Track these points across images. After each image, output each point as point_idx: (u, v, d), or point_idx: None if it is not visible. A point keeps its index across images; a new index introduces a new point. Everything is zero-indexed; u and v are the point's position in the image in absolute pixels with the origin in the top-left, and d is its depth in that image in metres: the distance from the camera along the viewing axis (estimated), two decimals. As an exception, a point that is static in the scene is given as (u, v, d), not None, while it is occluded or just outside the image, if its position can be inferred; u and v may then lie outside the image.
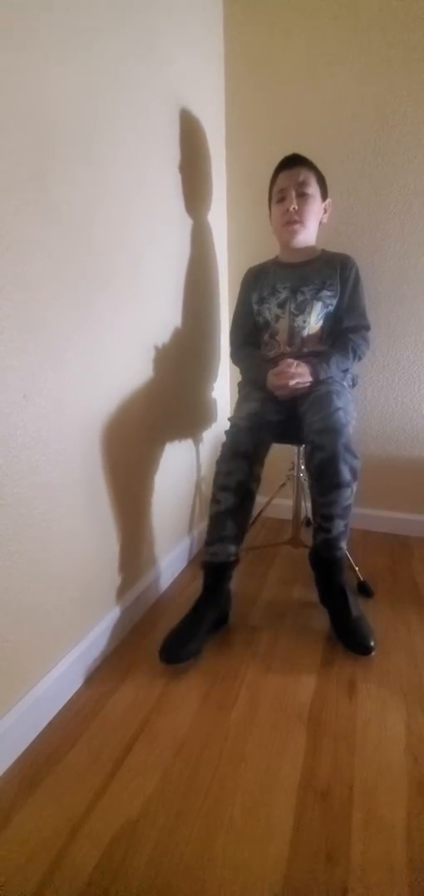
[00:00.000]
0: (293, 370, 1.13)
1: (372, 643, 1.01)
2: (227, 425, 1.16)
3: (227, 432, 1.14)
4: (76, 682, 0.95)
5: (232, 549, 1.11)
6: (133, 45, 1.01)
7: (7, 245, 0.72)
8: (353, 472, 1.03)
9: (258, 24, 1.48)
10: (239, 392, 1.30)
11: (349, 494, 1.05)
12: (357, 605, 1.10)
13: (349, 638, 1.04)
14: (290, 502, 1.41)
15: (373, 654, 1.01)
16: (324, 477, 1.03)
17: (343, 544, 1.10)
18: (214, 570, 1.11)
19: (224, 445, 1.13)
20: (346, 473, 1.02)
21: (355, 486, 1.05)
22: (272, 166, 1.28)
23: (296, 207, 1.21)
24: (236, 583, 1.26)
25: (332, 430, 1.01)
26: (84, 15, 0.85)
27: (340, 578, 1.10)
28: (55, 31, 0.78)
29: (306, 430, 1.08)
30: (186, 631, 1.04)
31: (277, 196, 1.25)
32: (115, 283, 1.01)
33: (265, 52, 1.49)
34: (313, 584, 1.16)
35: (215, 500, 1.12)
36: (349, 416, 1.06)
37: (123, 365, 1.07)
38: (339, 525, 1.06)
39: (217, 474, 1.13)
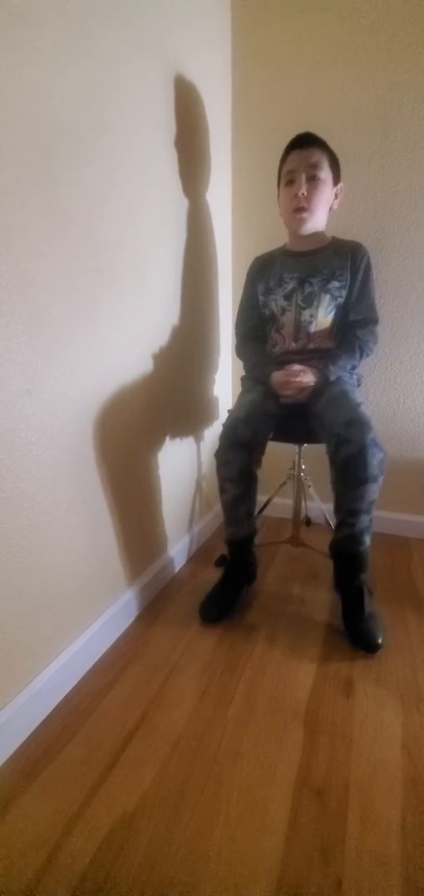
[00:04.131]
0: (298, 379, 1.11)
1: (380, 640, 1.02)
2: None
3: (224, 423, 1.14)
4: (75, 676, 0.96)
5: (247, 525, 1.20)
6: (139, 41, 1.01)
7: (12, 240, 0.73)
8: (380, 466, 1.00)
9: (266, 9, 1.47)
10: (242, 386, 1.30)
11: (376, 489, 1.01)
12: (371, 603, 1.10)
13: (357, 637, 1.04)
14: (290, 501, 1.41)
15: (380, 651, 1.02)
16: (351, 471, 0.99)
17: (367, 539, 1.07)
18: (236, 545, 1.22)
19: (221, 437, 1.13)
20: (374, 468, 0.98)
21: (381, 481, 1.01)
22: (277, 154, 1.22)
23: (305, 193, 1.12)
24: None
25: (360, 424, 0.98)
26: (90, 11, 0.85)
27: (360, 575, 1.09)
28: (61, 27, 0.78)
29: (328, 427, 1.04)
30: (220, 596, 1.19)
31: (286, 178, 1.16)
32: (118, 279, 1.01)
33: (271, 40, 1.48)
34: (311, 576, 1.17)
35: (222, 490, 1.18)
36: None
37: (126, 360, 1.07)
38: (364, 520, 1.04)
39: (218, 466, 1.15)
